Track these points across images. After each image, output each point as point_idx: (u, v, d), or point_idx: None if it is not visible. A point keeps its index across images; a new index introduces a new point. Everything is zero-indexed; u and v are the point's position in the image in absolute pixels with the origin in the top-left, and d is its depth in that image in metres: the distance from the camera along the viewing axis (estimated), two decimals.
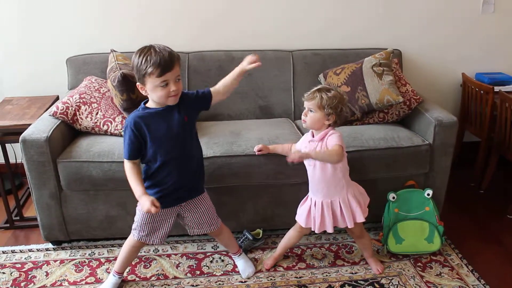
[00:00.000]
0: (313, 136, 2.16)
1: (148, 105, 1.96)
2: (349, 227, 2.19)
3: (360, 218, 2.18)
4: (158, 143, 1.93)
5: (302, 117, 2.13)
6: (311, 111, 2.09)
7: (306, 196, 2.26)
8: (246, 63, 2.06)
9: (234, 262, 2.41)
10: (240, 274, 2.34)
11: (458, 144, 3.30)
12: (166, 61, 1.78)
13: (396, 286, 2.26)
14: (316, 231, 2.20)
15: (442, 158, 2.56)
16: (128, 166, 1.95)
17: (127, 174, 1.95)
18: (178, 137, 1.96)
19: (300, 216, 2.26)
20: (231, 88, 2.12)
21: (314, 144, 2.12)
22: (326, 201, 2.16)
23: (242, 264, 2.36)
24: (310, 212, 2.21)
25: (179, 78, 1.87)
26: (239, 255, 2.38)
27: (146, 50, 1.82)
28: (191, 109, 2.00)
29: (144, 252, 2.49)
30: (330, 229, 2.19)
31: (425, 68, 3.34)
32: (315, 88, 2.13)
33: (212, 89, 2.08)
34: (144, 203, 1.84)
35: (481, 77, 3.26)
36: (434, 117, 2.55)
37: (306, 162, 2.18)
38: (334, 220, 2.18)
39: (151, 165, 1.99)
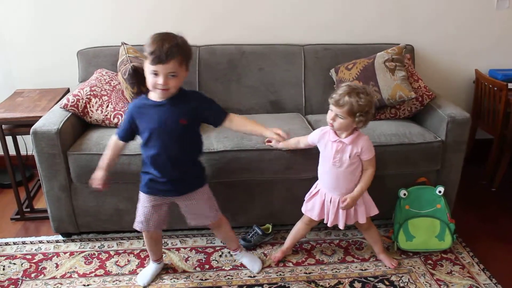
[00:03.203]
0: (337, 136, 2.09)
1: (149, 95, 1.95)
2: (361, 222, 2.19)
3: (374, 211, 2.20)
4: (148, 134, 1.94)
5: (329, 120, 2.05)
6: (340, 117, 2.01)
7: (316, 190, 2.23)
8: (271, 133, 2.08)
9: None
10: (248, 269, 2.34)
11: (470, 141, 3.27)
12: (160, 54, 1.76)
13: (406, 283, 2.25)
14: (329, 225, 2.20)
15: (454, 155, 2.53)
16: (111, 140, 2.06)
17: (107, 146, 2.05)
18: (170, 136, 1.93)
19: (312, 211, 2.24)
20: (241, 132, 2.16)
21: (342, 146, 2.07)
22: (343, 199, 2.14)
23: (248, 261, 2.35)
24: (323, 207, 2.19)
25: (174, 75, 1.82)
26: (240, 251, 2.36)
27: (157, 35, 1.82)
28: (195, 115, 1.96)
29: None
30: (342, 226, 2.19)
31: (438, 64, 3.31)
32: (344, 90, 2.00)
33: (230, 116, 2.04)
34: (94, 175, 1.93)
35: (494, 73, 3.21)
36: (446, 113, 2.52)
37: (328, 161, 2.11)
38: (347, 217, 2.18)
39: (143, 150, 2.01)
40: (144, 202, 2.08)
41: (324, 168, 2.17)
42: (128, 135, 2.01)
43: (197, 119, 1.99)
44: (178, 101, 1.92)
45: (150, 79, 1.84)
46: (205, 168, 2.19)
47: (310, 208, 2.25)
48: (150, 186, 2.04)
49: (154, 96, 1.93)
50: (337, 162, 2.09)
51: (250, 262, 2.35)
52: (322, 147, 2.16)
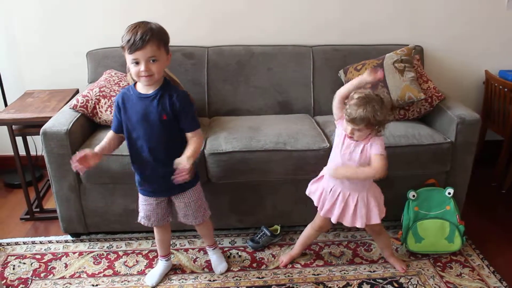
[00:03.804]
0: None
1: (136, 86, 1.94)
2: (358, 226, 2.12)
3: (376, 219, 2.12)
4: (130, 125, 1.94)
5: (348, 133, 1.98)
6: (358, 131, 1.97)
7: (320, 175, 2.20)
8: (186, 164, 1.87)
9: (252, 258, 2.41)
10: (256, 270, 2.34)
11: (480, 142, 3.25)
12: (135, 40, 1.75)
13: (415, 285, 2.23)
14: (321, 215, 2.16)
15: (464, 156, 2.51)
16: (109, 133, 2.05)
17: None
18: (151, 129, 1.91)
19: (314, 194, 2.21)
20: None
21: (354, 143, 2.02)
22: (343, 192, 2.10)
23: (215, 260, 2.36)
24: (321, 195, 2.16)
25: (154, 59, 1.80)
26: (214, 248, 2.37)
27: (130, 25, 1.81)
28: (173, 113, 1.92)
29: None
30: (334, 220, 2.14)
31: (447, 65, 3.29)
32: (356, 104, 1.91)
33: (195, 133, 1.96)
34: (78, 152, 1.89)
35: (504, 74, 3.19)
36: (456, 114, 2.50)
37: (337, 149, 2.06)
38: (355, 218, 2.12)
39: (127, 142, 2.00)
40: (141, 200, 2.12)
41: (334, 154, 2.11)
42: (119, 126, 1.99)
43: (175, 118, 1.93)
44: (163, 94, 1.90)
45: (132, 70, 1.83)
46: (196, 170, 2.13)
47: (314, 191, 2.22)
48: (141, 188, 2.08)
49: (140, 87, 1.92)
50: (346, 155, 2.04)
51: (216, 262, 2.35)
52: (339, 130, 2.09)
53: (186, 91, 1.99)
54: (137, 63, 1.80)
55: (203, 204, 2.17)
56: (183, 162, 1.82)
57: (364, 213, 2.11)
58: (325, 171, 2.20)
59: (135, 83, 1.95)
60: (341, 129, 2.07)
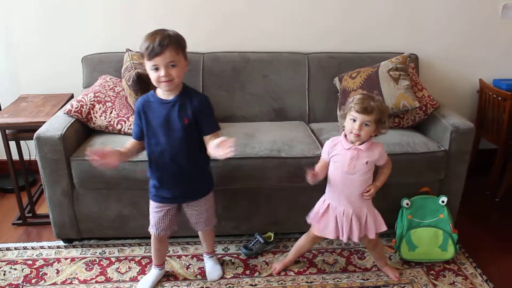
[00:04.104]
0: (351, 143, 2.06)
1: (157, 92, 1.97)
2: (371, 237, 2.15)
3: (383, 227, 2.16)
4: (152, 130, 1.96)
5: (355, 131, 1.99)
6: (367, 125, 2.00)
7: (326, 207, 2.17)
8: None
9: (245, 265, 2.41)
10: (249, 277, 2.33)
11: (474, 151, 3.26)
12: (154, 46, 1.79)
13: None
14: (344, 241, 2.15)
15: (457, 165, 2.52)
16: (129, 140, 2.08)
17: None
18: (173, 134, 1.94)
19: (326, 230, 2.17)
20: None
21: (357, 153, 2.04)
22: (355, 211, 2.11)
23: (210, 266, 2.36)
24: (337, 223, 2.15)
25: (173, 64, 1.83)
26: (211, 256, 2.38)
27: (149, 33, 1.85)
28: (194, 116, 1.94)
29: None
30: (356, 238, 2.13)
31: (442, 74, 3.30)
32: (363, 97, 1.99)
33: (216, 134, 1.97)
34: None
35: (498, 83, 3.21)
36: (450, 123, 2.51)
37: (342, 169, 2.07)
38: (356, 231, 2.13)
39: (147, 147, 2.02)
40: (152, 207, 2.13)
41: (337, 178, 2.11)
42: (140, 132, 2.02)
43: (196, 122, 1.96)
44: (184, 99, 1.93)
45: (152, 76, 1.86)
46: (212, 178, 2.21)
47: (324, 227, 2.18)
48: (155, 194, 2.08)
49: (161, 93, 1.95)
50: (351, 169, 2.05)
51: (211, 269, 2.35)
52: (335, 157, 2.10)
53: (206, 95, 2.01)
54: (156, 69, 1.83)
55: (213, 212, 2.21)
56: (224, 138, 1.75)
57: (373, 224, 2.15)
58: (328, 201, 2.17)
59: (155, 89, 1.98)
60: (335, 152, 2.10)
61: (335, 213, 2.14)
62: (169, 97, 1.93)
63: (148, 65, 1.85)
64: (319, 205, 2.20)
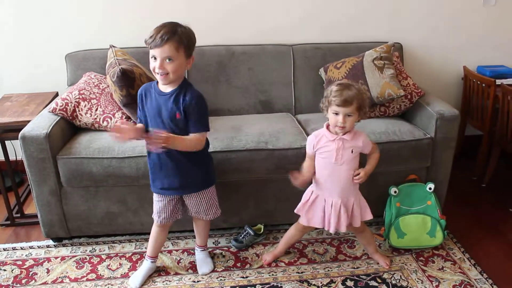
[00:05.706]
0: (335, 134, 2.07)
1: (159, 83, 1.99)
2: (356, 226, 2.18)
3: (369, 215, 2.19)
4: (148, 119, 2.01)
5: (340, 124, 2.00)
6: (349, 115, 2.00)
7: (314, 198, 2.19)
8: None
9: (236, 258, 2.42)
10: (241, 269, 2.34)
11: (460, 137, 3.29)
12: (156, 37, 1.82)
13: (398, 280, 2.25)
14: (331, 231, 2.17)
15: (444, 152, 2.54)
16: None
17: None
18: (166, 126, 1.96)
19: (313, 219, 2.20)
20: None
21: (343, 143, 2.05)
22: (343, 201, 2.13)
23: (201, 260, 2.37)
24: (325, 213, 2.17)
25: (170, 59, 1.85)
26: (203, 250, 2.38)
27: (161, 23, 1.88)
28: (184, 110, 1.95)
29: (145, 248, 2.48)
30: (344, 228, 2.15)
31: (426, 62, 3.33)
32: (340, 88, 1.99)
33: (199, 135, 1.99)
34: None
35: (482, 70, 3.24)
36: (435, 110, 2.53)
37: (330, 160, 2.08)
38: (344, 220, 2.15)
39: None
40: (155, 197, 2.17)
41: (325, 170, 2.12)
42: (143, 117, 2.06)
43: (185, 116, 1.97)
44: (179, 94, 1.94)
45: (150, 64, 1.90)
46: (213, 171, 2.22)
47: (311, 217, 2.20)
48: (155, 185, 2.12)
49: (160, 85, 1.98)
50: (339, 160, 2.07)
51: (202, 262, 2.36)
52: (321, 150, 2.11)
53: (201, 93, 2.00)
54: (155, 59, 1.87)
55: (214, 203, 2.22)
56: (163, 131, 1.86)
57: (359, 212, 2.17)
58: (317, 192, 2.18)
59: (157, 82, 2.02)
60: (321, 145, 2.10)
61: (323, 204, 2.16)
62: (166, 90, 1.96)
63: (150, 54, 1.88)
64: (307, 196, 2.21)
